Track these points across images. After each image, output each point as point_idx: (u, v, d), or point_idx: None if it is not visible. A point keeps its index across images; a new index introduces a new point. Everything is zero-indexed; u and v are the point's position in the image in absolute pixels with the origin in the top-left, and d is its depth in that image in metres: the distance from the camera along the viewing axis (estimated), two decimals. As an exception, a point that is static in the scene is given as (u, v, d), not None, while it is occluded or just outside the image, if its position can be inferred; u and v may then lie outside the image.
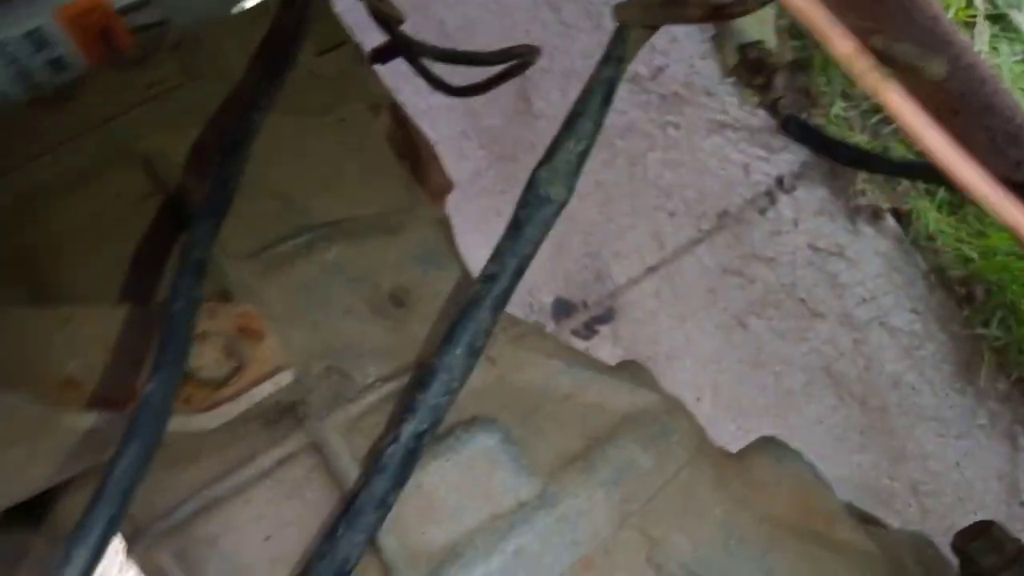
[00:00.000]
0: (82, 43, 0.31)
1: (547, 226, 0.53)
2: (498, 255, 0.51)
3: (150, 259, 0.49)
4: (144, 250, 0.49)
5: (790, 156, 1.68)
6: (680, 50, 1.76)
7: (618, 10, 0.54)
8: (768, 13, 0.53)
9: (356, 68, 0.66)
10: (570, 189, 0.53)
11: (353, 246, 0.58)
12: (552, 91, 1.70)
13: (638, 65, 1.73)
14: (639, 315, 1.54)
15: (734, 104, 1.70)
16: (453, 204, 1.67)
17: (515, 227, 0.51)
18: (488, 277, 0.50)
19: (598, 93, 0.54)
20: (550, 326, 1.53)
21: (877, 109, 1.78)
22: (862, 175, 1.69)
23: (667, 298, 1.55)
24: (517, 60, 0.91)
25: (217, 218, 0.43)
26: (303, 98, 0.64)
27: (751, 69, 0.56)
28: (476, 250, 1.76)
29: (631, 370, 0.66)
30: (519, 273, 0.51)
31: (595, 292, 1.53)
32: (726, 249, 1.59)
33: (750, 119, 1.69)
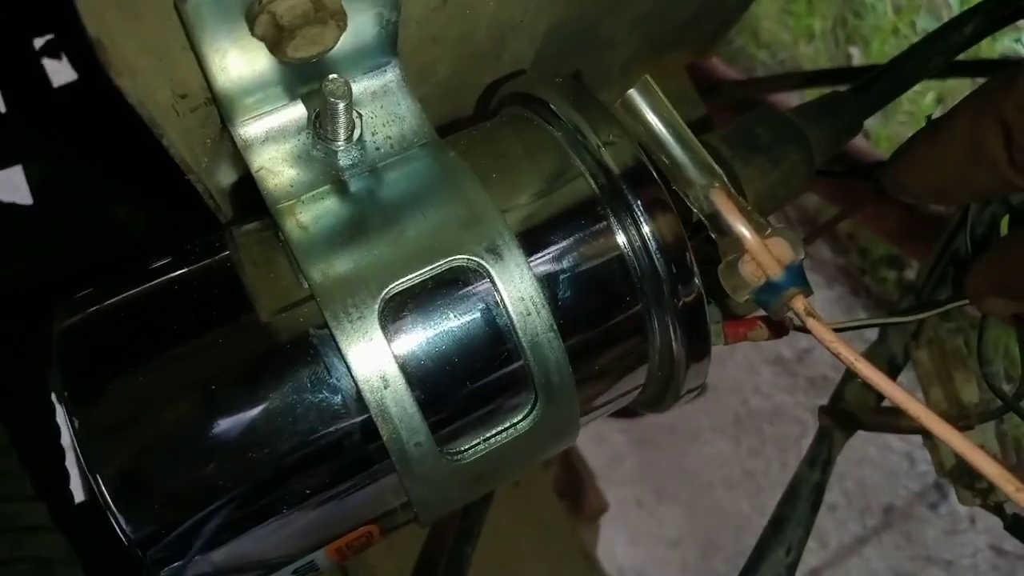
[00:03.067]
0: (336, 557, 0.31)
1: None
2: None
3: None
4: None
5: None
6: (823, 329, 1.72)
7: (824, 412, 0.52)
8: (988, 424, 0.50)
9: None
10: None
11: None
12: (693, 374, 1.68)
13: (782, 347, 1.71)
14: (802, 625, 1.39)
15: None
16: (595, 492, 1.60)
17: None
18: None
19: (806, 498, 0.51)
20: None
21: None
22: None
23: (834, 606, 1.40)
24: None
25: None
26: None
27: (972, 473, 0.52)
28: (612, 546, 1.65)
29: None
30: None
31: (752, 597, 1.40)
32: (896, 550, 1.45)
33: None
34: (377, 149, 0.33)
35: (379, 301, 0.29)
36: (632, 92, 0.31)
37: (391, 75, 0.34)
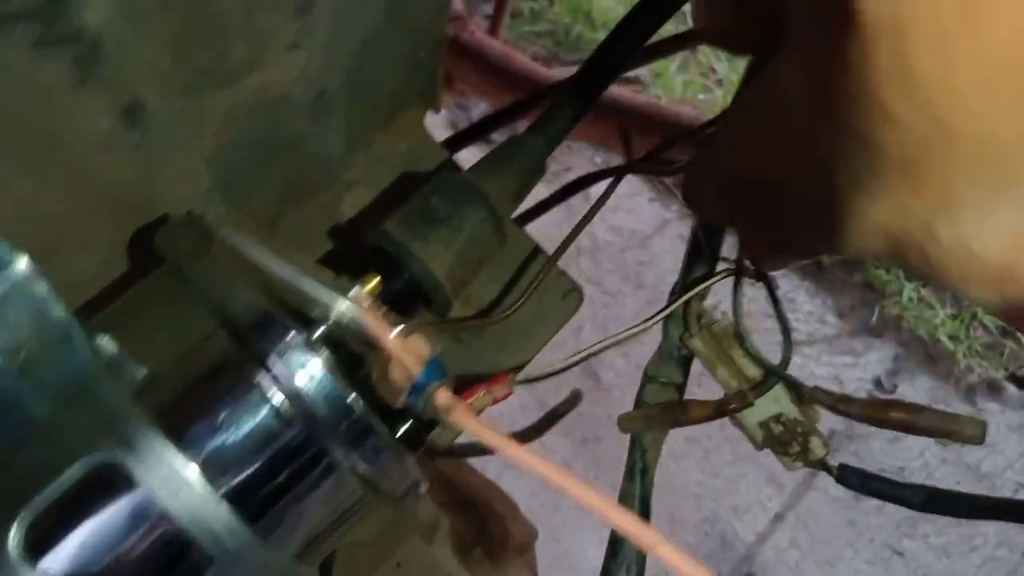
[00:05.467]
0: None
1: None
2: None
3: None
4: None
5: (878, 354, 1.59)
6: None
7: (622, 422, 0.52)
8: (778, 389, 0.51)
9: (400, 512, 0.66)
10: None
11: None
12: (616, 360, 1.69)
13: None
14: (783, 572, 1.40)
15: (800, 319, 1.65)
16: (552, 505, 1.61)
17: None
18: None
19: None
20: (691, 611, 1.41)
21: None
22: (961, 349, 1.59)
23: (807, 545, 1.42)
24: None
25: None
26: (353, 567, 0.64)
27: (781, 441, 0.53)
28: (585, 552, 1.65)
29: None
30: None
31: (727, 560, 1.42)
32: (848, 473, 1.47)
33: (822, 329, 1.63)
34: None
35: (11, 536, 0.28)
36: (223, 241, 0.30)
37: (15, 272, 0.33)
